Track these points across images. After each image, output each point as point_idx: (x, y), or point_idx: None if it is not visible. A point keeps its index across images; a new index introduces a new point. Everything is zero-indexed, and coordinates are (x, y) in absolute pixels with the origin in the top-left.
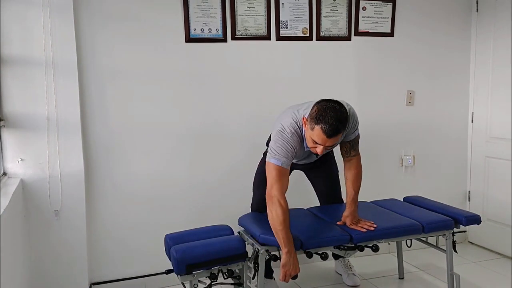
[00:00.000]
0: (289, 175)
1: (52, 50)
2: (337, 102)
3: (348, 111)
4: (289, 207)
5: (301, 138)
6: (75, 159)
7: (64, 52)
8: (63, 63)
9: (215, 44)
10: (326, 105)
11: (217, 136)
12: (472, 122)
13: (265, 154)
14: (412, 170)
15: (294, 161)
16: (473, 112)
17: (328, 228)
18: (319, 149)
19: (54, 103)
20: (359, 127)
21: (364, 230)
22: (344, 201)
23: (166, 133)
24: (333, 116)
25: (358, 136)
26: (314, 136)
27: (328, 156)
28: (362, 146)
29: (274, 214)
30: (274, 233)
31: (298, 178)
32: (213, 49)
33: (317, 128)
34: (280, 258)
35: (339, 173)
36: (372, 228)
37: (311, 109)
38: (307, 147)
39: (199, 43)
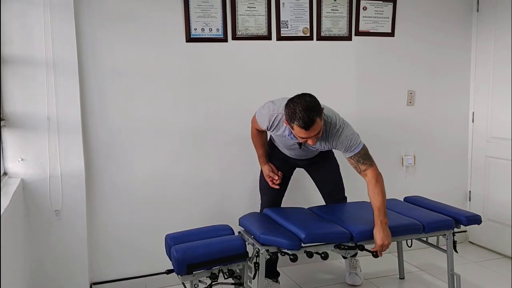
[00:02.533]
0: (292, 173)
1: (53, 49)
2: (302, 94)
3: (339, 129)
4: (290, 206)
5: (278, 121)
6: (76, 159)
7: (64, 52)
8: (64, 62)
9: (216, 44)
10: (292, 102)
11: (218, 136)
12: (473, 122)
13: (268, 154)
14: (413, 170)
15: (288, 153)
16: (473, 112)
17: (328, 226)
18: (309, 141)
19: (54, 103)
20: (360, 142)
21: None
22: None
23: (166, 133)
24: (302, 109)
25: (361, 151)
26: (297, 133)
27: (326, 153)
28: None
29: (252, 139)
30: None
31: (299, 178)
32: (213, 49)
33: (295, 126)
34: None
35: (340, 168)
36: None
37: (285, 112)
38: (289, 135)
39: (200, 43)
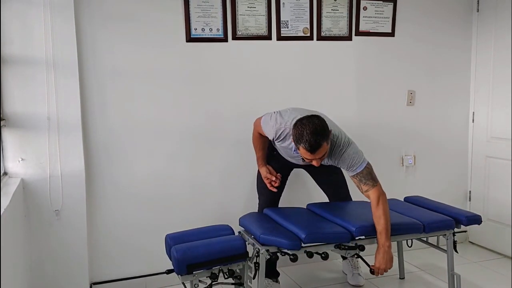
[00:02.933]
0: (289, 173)
1: (53, 49)
2: (311, 116)
3: (342, 148)
4: (290, 205)
5: (284, 135)
6: (76, 158)
7: (64, 52)
8: (64, 62)
9: (216, 44)
10: (301, 123)
11: (218, 136)
12: (473, 122)
13: (267, 156)
14: (413, 170)
15: (289, 160)
16: (473, 112)
17: (328, 225)
18: (314, 162)
19: (54, 102)
20: (363, 161)
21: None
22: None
23: (166, 133)
24: (310, 132)
25: (364, 171)
26: (303, 154)
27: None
28: (362, 147)
29: (252, 142)
30: None
31: (298, 178)
32: (214, 49)
33: (301, 148)
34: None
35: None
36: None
37: (292, 132)
38: (294, 150)
39: (200, 43)
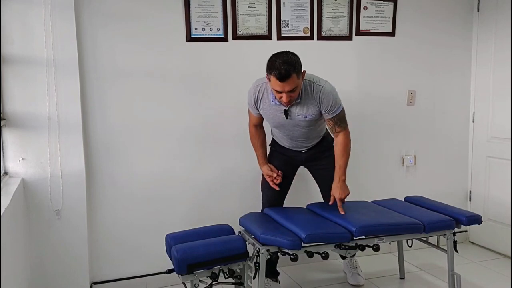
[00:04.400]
0: (294, 174)
1: (53, 49)
2: (287, 51)
3: (323, 86)
4: (290, 205)
5: (263, 91)
6: (76, 158)
7: (65, 51)
8: (64, 62)
9: (216, 43)
10: (275, 55)
11: (218, 136)
12: (473, 121)
13: (269, 155)
14: (413, 170)
15: (282, 136)
16: (474, 112)
17: (328, 225)
18: (283, 98)
19: (55, 102)
20: (341, 104)
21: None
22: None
23: (167, 132)
24: (281, 62)
25: (341, 113)
26: (273, 85)
27: (328, 152)
28: (363, 145)
29: (250, 139)
30: None
31: (299, 178)
32: (214, 48)
33: (271, 77)
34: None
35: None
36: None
37: (266, 65)
38: (273, 100)
39: (200, 43)
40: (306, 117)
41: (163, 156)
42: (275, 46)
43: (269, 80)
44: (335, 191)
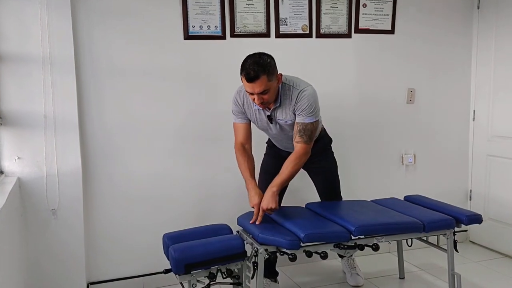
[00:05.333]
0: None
1: (50, 47)
2: (262, 52)
3: (302, 90)
4: (288, 205)
5: (247, 95)
6: (73, 157)
7: (61, 49)
8: (61, 60)
9: (214, 41)
10: (248, 56)
11: (216, 134)
12: (474, 120)
13: (265, 153)
14: (413, 169)
15: (274, 139)
16: (474, 110)
17: (327, 225)
18: (256, 100)
19: (51, 100)
20: (317, 116)
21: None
22: (344, 198)
23: (164, 131)
24: (251, 62)
25: (308, 125)
26: (244, 86)
27: (325, 152)
28: (362, 144)
29: (236, 158)
30: None
31: (298, 177)
32: (212, 46)
33: (242, 77)
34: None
35: (337, 168)
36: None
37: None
38: (255, 105)
39: (198, 40)
40: (286, 122)
41: (160, 155)
42: (274, 43)
43: (242, 81)
44: (268, 201)
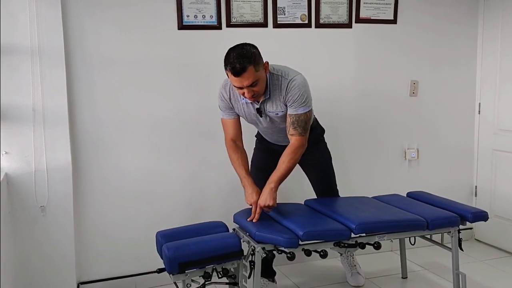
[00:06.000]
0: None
1: (38, 38)
2: (245, 43)
3: (292, 79)
4: (286, 202)
5: (233, 88)
6: (62, 152)
7: (50, 40)
8: (50, 51)
9: (209, 31)
10: (230, 49)
11: (211, 128)
12: (479, 113)
13: (255, 147)
14: (416, 164)
15: (265, 134)
16: (480, 103)
17: (327, 222)
18: (246, 94)
19: (40, 93)
20: (309, 105)
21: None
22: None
23: (158, 125)
24: (235, 55)
25: (304, 115)
26: (231, 81)
27: (317, 144)
28: (362, 139)
29: (229, 156)
30: None
31: (296, 172)
32: (207, 36)
33: (228, 72)
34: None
35: (332, 160)
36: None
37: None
38: (243, 99)
39: (192, 31)
40: (277, 114)
41: (154, 150)
42: (271, 34)
43: (228, 76)
44: (265, 198)
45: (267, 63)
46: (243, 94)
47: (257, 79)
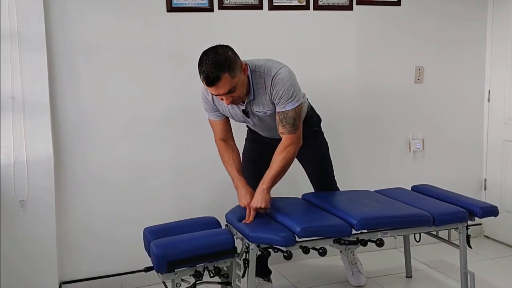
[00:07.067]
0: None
1: (18, 21)
2: (219, 45)
3: (276, 75)
4: (282, 196)
5: None
6: (43, 143)
7: (31, 23)
8: (30, 35)
9: (200, 14)
10: (203, 53)
11: (203, 118)
12: (489, 101)
13: (247, 138)
14: (421, 155)
15: (256, 130)
16: (489, 91)
17: (326, 217)
18: (225, 100)
19: (19, 80)
20: (298, 99)
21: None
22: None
23: (146, 114)
24: (208, 62)
25: (292, 112)
26: (208, 90)
27: (314, 134)
28: (364, 129)
29: (220, 155)
30: None
31: (292, 165)
32: (198, 19)
33: (202, 80)
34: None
35: (329, 151)
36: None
37: None
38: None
39: (182, 13)
40: (266, 113)
41: (141, 141)
42: (267, 16)
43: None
44: (257, 200)
45: (246, 65)
46: (222, 99)
47: (234, 85)
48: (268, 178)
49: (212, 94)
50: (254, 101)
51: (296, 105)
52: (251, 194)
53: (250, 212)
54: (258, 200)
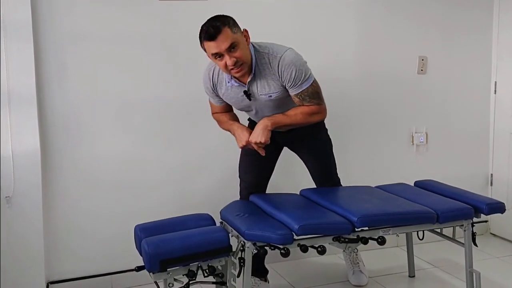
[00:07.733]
0: (278, 154)
1: (3, 9)
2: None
3: (282, 56)
4: (281, 191)
5: (217, 73)
6: (30, 137)
7: (17, 12)
8: (16, 24)
9: (193, 2)
10: (202, 25)
11: (197, 111)
12: (495, 93)
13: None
14: (425, 149)
15: (241, 110)
16: (496, 82)
17: (325, 214)
18: (227, 61)
19: (5, 71)
20: (310, 76)
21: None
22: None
23: (137, 107)
24: (208, 21)
25: (309, 88)
26: (208, 50)
27: (316, 129)
28: (366, 121)
29: (218, 124)
30: None
31: (290, 159)
32: (190, 7)
33: (204, 42)
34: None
35: (333, 148)
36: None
37: None
38: (229, 81)
39: (175, 1)
40: (271, 96)
41: (132, 135)
42: (262, 5)
43: (205, 50)
44: (257, 134)
45: (246, 30)
46: (225, 66)
47: (236, 42)
48: (277, 119)
49: (214, 75)
50: (257, 81)
51: (311, 81)
52: (248, 130)
53: (253, 147)
54: (258, 135)
